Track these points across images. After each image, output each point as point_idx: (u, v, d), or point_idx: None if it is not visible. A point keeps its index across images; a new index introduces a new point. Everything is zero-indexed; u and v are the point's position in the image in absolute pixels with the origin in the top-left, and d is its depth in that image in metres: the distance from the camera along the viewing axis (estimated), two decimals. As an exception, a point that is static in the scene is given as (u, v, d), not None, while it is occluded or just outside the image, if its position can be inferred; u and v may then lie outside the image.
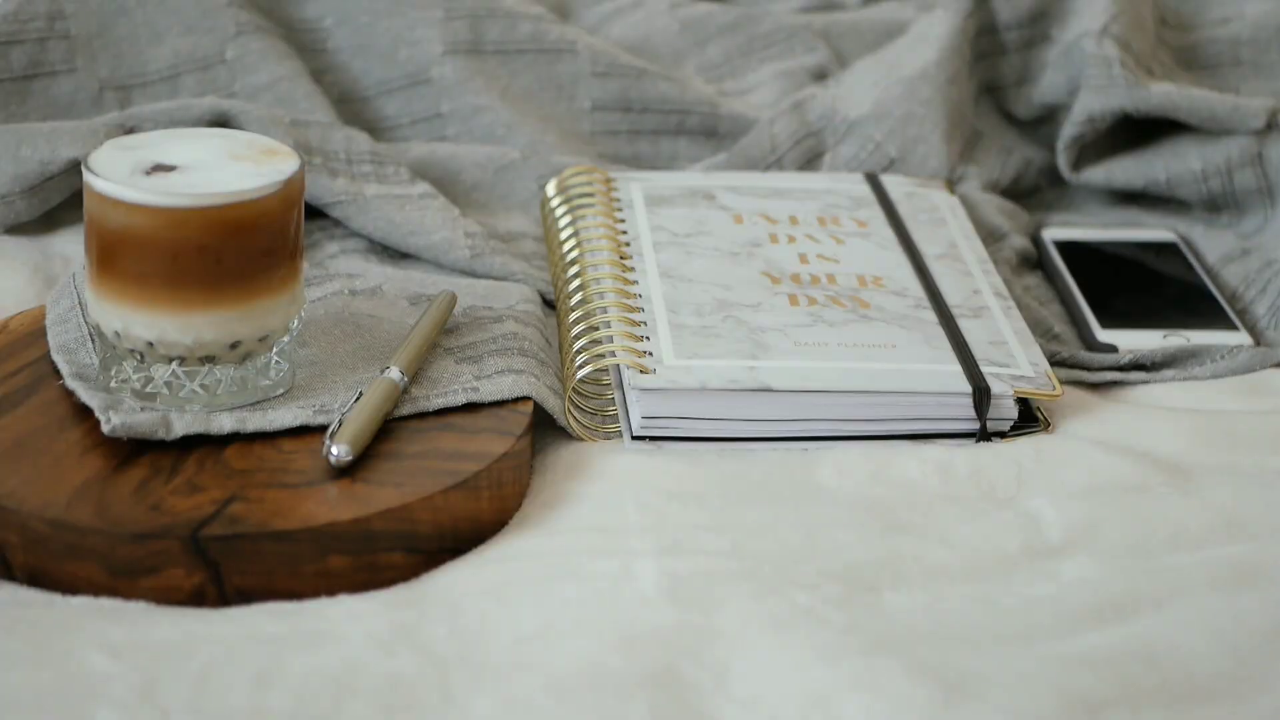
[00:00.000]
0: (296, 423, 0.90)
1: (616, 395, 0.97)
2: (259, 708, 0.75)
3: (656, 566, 0.84)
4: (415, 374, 0.94)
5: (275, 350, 0.92)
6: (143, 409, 0.89)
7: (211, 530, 0.82)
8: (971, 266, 1.08)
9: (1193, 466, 0.95)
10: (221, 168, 0.90)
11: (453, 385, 0.94)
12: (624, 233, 1.09)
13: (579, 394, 0.97)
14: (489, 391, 0.93)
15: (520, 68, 1.26)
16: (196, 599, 0.83)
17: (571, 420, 0.96)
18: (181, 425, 0.88)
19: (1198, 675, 0.79)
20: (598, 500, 0.90)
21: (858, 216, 1.12)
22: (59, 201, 1.13)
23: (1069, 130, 1.22)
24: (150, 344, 0.89)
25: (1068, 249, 1.17)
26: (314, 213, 1.13)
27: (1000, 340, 1.00)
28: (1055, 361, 1.04)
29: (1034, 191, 1.26)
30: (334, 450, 0.87)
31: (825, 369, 0.96)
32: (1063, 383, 1.02)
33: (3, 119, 1.16)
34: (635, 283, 1.03)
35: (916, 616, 0.83)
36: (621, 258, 1.05)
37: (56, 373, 0.93)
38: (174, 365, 0.90)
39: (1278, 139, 1.19)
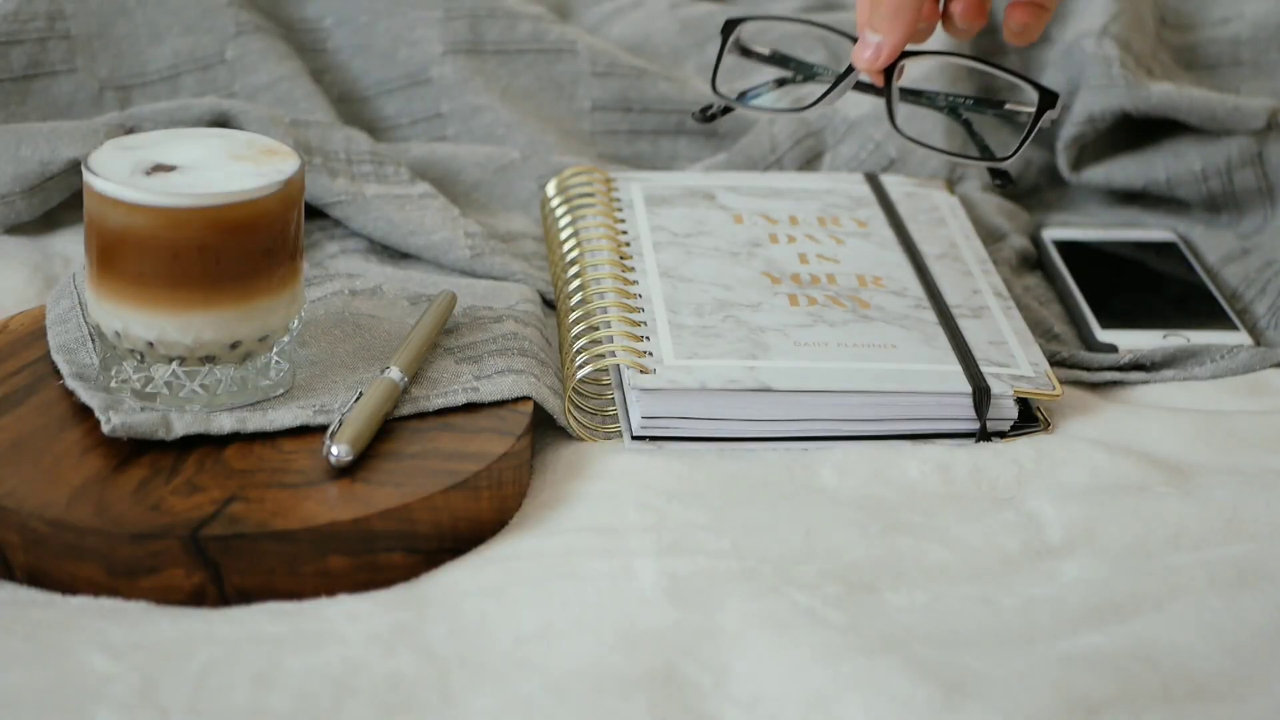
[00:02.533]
0: (296, 423, 0.90)
1: (616, 395, 0.97)
2: (259, 708, 0.75)
3: (656, 566, 0.84)
4: (415, 374, 0.94)
5: (275, 350, 0.92)
6: (143, 409, 0.89)
7: (211, 530, 0.82)
8: (971, 266, 1.08)
9: (1193, 466, 0.95)
10: (221, 168, 0.90)
11: (453, 385, 0.94)
12: (624, 233, 1.09)
13: (579, 394, 0.97)
14: (489, 391, 0.93)
15: (520, 68, 1.26)
16: (196, 599, 0.83)
17: (571, 420, 0.96)
18: (181, 425, 0.88)
19: (1198, 675, 0.79)
20: (598, 500, 0.90)
21: (858, 216, 1.12)
22: (59, 201, 1.13)
23: (1069, 130, 1.22)
24: (150, 344, 0.89)
25: (1068, 249, 1.17)
26: (314, 213, 1.13)
27: (1000, 340, 1.00)
28: (1055, 361, 1.04)
29: (1034, 191, 1.26)
30: (334, 450, 0.87)
31: (825, 369, 0.96)
32: (1063, 383, 1.02)
33: (3, 119, 1.16)
34: (635, 283, 1.03)
35: (916, 616, 0.83)
36: (621, 258, 1.06)
37: (56, 373, 0.93)
38: (174, 365, 0.90)
39: (1278, 139, 1.19)
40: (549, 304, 1.08)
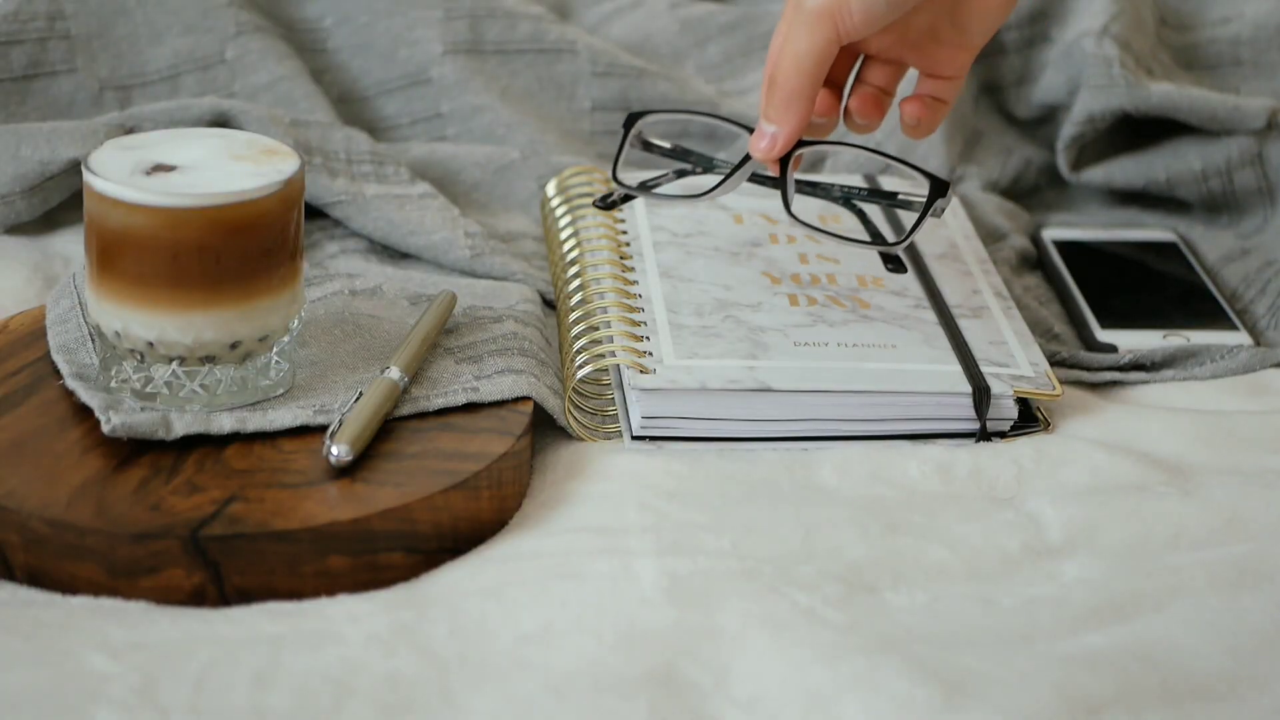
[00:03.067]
0: (296, 423, 0.90)
1: (616, 395, 0.97)
2: (259, 708, 0.75)
3: (656, 566, 0.84)
4: (415, 374, 0.94)
5: (275, 350, 0.92)
6: (143, 409, 0.89)
7: (211, 530, 0.82)
8: (971, 266, 1.08)
9: (1193, 466, 0.95)
10: (221, 168, 0.90)
11: (453, 385, 0.94)
12: (624, 233, 1.09)
13: (579, 394, 0.97)
14: (489, 391, 0.93)
15: (520, 68, 1.26)
16: (196, 599, 0.83)
17: (571, 420, 0.96)
18: (181, 425, 0.88)
19: (1198, 675, 0.79)
20: (598, 500, 0.90)
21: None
22: (59, 201, 1.13)
23: (1069, 130, 1.22)
24: (150, 344, 0.89)
25: (1068, 249, 1.17)
26: (314, 213, 1.13)
27: (1000, 340, 1.00)
28: (1055, 361, 1.04)
29: (1034, 191, 1.26)
30: (334, 450, 0.87)
31: (825, 369, 0.96)
32: (1063, 383, 1.02)
33: (3, 119, 1.16)
34: (635, 283, 1.03)
35: (916, 616, 0.83)
36: (621, 258, 1.06)
37: (56, 373, 0.93)
38: (174, 365, 0.90)
39: (1278, 139, 1.19)
40: (549, 304, 1.08)
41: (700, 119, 1.09)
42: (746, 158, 0.99)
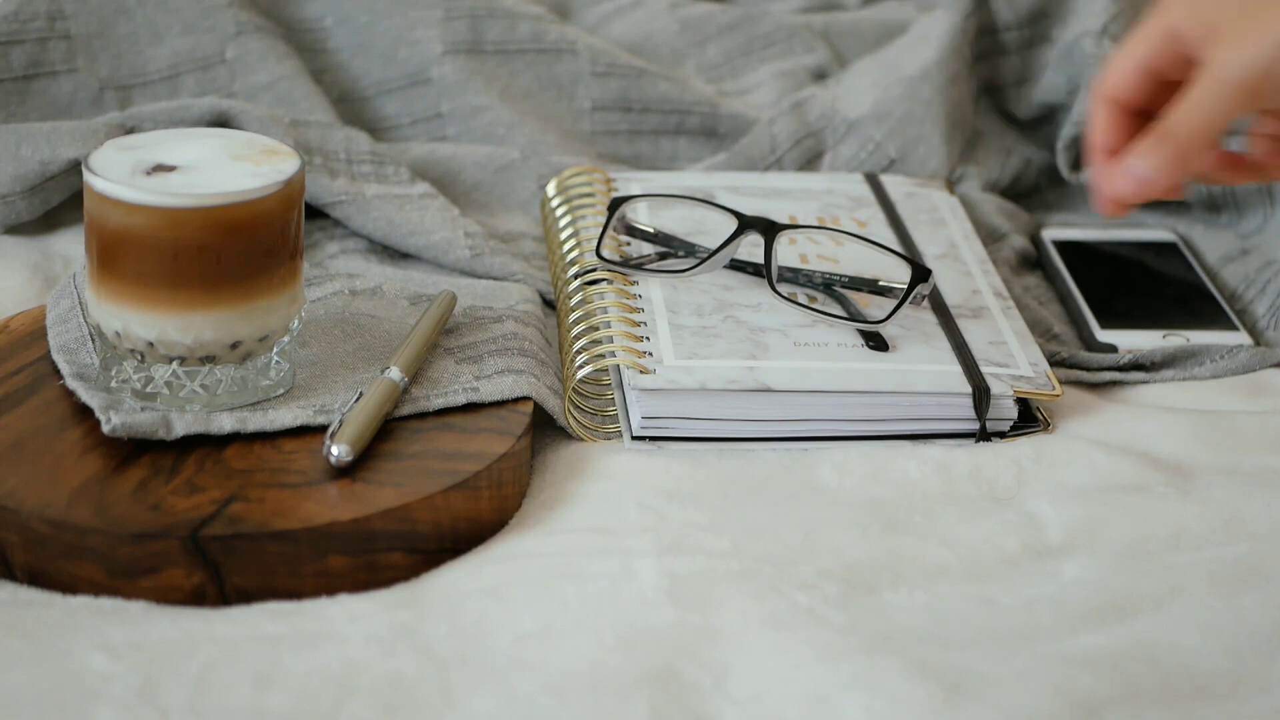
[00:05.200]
0: (297, 423, 0.90)
1: (616, 395, 0.97)
2: (259, 708, 0.75)
3: (656, 566, 0.84)
4: (415, 374, 0.94)
5: (275, 350, 0.92)
6: (143, 409, 0.90)
7: (211, 530, 0.83)
8: (971, 266, 1.08)
9: (1193, 466, 0.95)
10: (221, 168, 0.90)
11: (453, 385, 0.94)
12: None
13: (579, 394, 0.97)
14: (489, 391, 0.93)
15: (520, 68, 1.26)
16: (196, 599, 0.83)
17: (571, 420, 0.96)
18: (181, 425, 0.88)
19: (1198, 675, 0.79)
20: (598, 500, 0.90)
21: (858, 216, 1.12)
22: (59, 201, 1.13)
23: (1069, 130, 1.22)
24: (150, 344, 0.89)
25: (1067, 249, 1.17)
26: (314, 213, 1.13)
27: (1000, 340, 1.00)
28: (1055, 361, 1.04)
29: (1034, 191, 1.26)
30: (334, 450, 0.87)
31: (825, 369, 0.96)
32: (1063, 383, 1.02)
33: (3, 119, 1.16)
34: (635, 283, 1.03)
35: (916, 616, 0.83)
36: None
37: (57, 373, 0.93)
38: (174, 365, 0.90)
39: (1278, 139, 1.19)
40: (549, 304, 1.08)
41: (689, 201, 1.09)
42: (732, 236, 1.00)
